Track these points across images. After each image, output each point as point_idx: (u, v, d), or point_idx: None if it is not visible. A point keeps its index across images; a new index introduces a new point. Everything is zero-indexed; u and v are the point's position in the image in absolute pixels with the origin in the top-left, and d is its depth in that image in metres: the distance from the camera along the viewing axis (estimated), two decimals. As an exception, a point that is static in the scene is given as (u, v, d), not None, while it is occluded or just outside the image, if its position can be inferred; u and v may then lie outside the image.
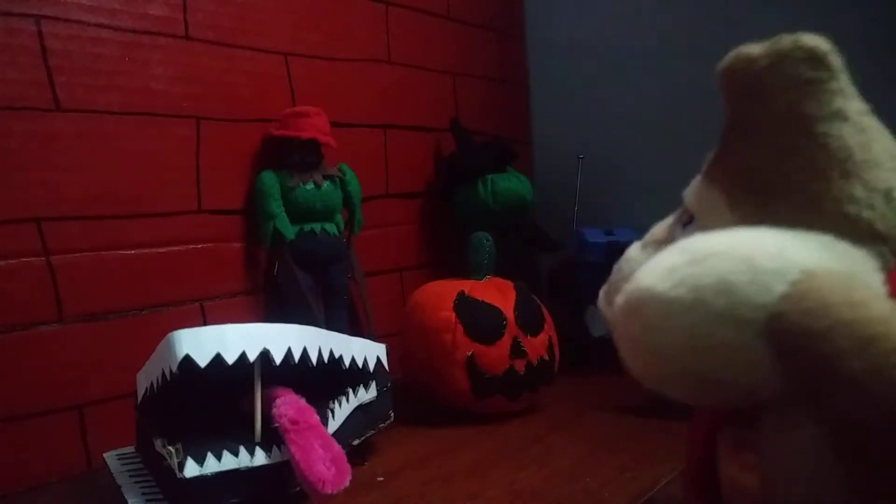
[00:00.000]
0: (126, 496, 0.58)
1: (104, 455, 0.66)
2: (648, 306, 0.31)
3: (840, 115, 0.36)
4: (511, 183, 1.06)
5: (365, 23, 1.03)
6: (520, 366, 0.80)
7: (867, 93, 0.38)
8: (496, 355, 0.80)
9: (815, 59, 0.35)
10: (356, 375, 0.68)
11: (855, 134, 0.36)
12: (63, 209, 0.71)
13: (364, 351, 0.69)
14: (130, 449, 0.67)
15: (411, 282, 1.06)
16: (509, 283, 0.86)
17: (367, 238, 0.99)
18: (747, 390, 0.32)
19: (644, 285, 0.31)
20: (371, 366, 0.70)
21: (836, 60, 0.36)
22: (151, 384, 0.57)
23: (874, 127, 0.37)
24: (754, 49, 0.38)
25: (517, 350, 0.80)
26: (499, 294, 0.83)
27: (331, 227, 0.89)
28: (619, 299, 0.34)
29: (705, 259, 0.30)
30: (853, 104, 0.36)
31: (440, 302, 0.82)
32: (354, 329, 0.96)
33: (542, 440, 0.74)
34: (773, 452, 0.38)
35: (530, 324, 0.82)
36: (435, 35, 1.16)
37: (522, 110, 1.39)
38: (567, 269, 1.09)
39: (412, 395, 0.85)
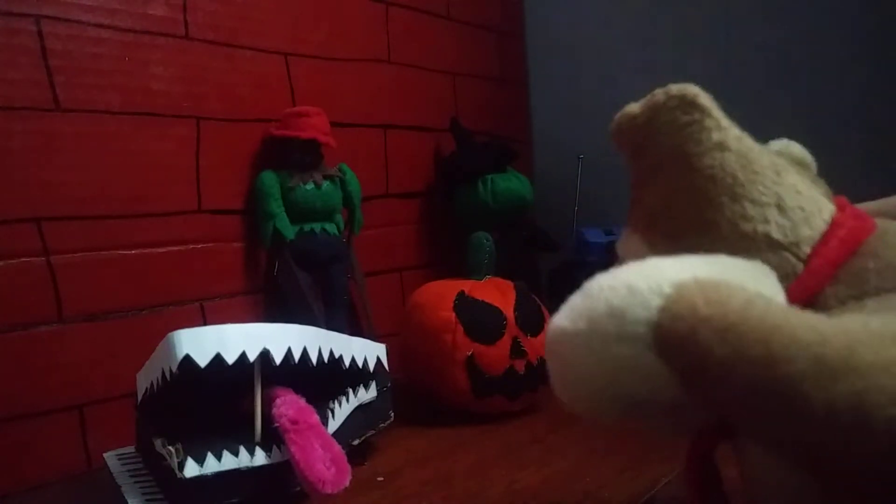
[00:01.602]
0: (126, 496, 0.58)
1: (104, 455, 0.66)
2: (559, 342, 0.35)
3: (720, 146, 0.39)
4: (511, 183, 1.06)
5: (365, 23, 1.03)
6: (520, 366, 0.80)
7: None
8: (496, 355, 0.80)
9: (686, 104, 0.40)
10: (356, 375, 0.68)
11: (737, 159, 0.39)
12: (63, 209, 0.71)
13: (364, 351, 0.69)
14: (130, 449, 0.67)
15: (411, 282, 1.06)
16: (509, 283, 0.86)
17: (367, 238, 0.99)
18: (663, 407, 0.34)
19: (553, 325, 0.35)
20: (371, 366, 0.70)
21: (705, 101, 0.40)
22: (151, 384, 0.57)
23: (754, 148, 0.41)
24: (634, 107, 0.43)
25: (517, 350, 0.80)
26: (499, 294, 0.83)
27: (331, 227, 0.89)
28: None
29: (596, 293, 0.33)
30: (730, 133, 0.40)
31: (440, 302, 0.82)
32: (354, 329, 0.95)
33: (542, 440, 0.74)
34: (748, 459, 0.41)
35: (530, 324, 0.82)
36: (435, 35, 1.16)
37: (522, 110, 1.39)
38: (567, 269, 1.09)
39: (412, 395, 0.85)
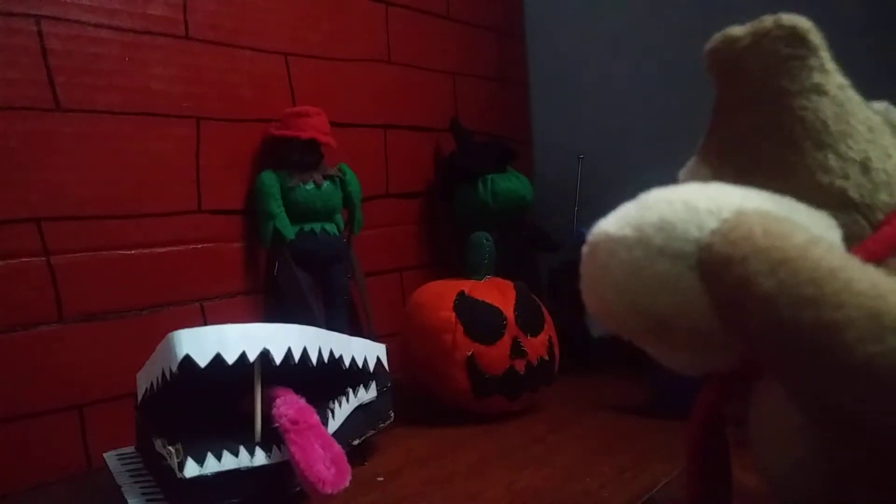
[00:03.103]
0: (126, 496, 0.58)
1: (104, 455, 0.66)
2: (599, 246, 0.35)
3: (817, 90, 0.37)
4: (511, 183, 1.06)
5: (365, 23, 1.03)
6: (520, 366, 0.80)
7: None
8: (496, 355, 0.80)
9: (794, 36, 0.37)
10: (356, 375, 0.68)
11: (832, 107, 0.37)
12: (63, 209, 0.71)
13: (364, 351, 0.69)
14: (130, 449, 0.67)
15: (411, 282, 1.06)
16: (509, 283, 0.86)
17: (367, 238, 0.99)
18: (690, 334, 0.34)
19: (598, 228, 0.35)
20: (371, 366, 0.70)
21: (816, 38, 0.38)
22: (151, 384, 0.57)
23: (855, 101, 0.38)
24: (738, 30, 0.40)
25: (517, 350, 0.80)
26: (499, 294, 0.83)
27: (331, 227, 0.89)
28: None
29: (652, 204, 0.33)
30: (833, 79, 0.38)
31: (440, 302, 0.82)
32: (354, 329, 0.95)
33: (542, 440, 0.74)
34: (758, 423, 0.40)
35: (530, 324, 0.82)
36: (435, 35, 1.16)
37: (522, 110, 1.38)
38: (567, 269, 1.09)
39: (412, 395, 0.85)
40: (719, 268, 0.30)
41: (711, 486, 0.41)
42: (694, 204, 0.32)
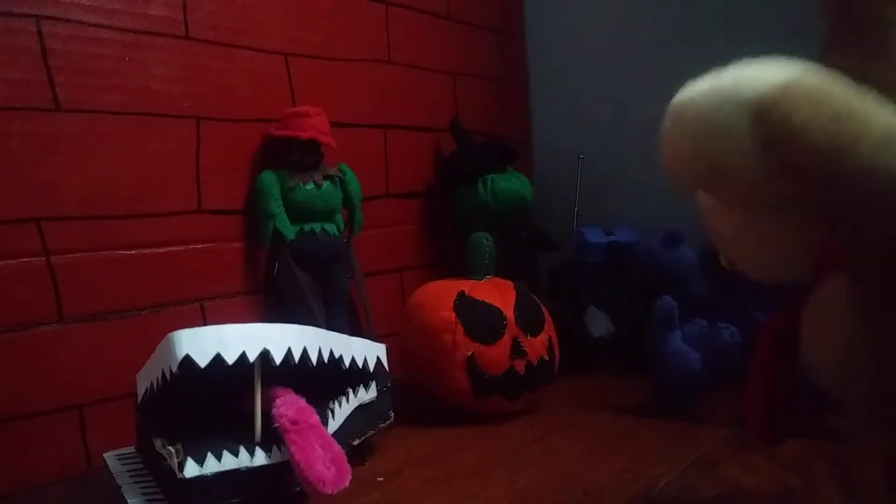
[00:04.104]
0: (126, 496, 0.58)
1: (104, 455, 0.66)
2: (680, 100, 0.42)
3: None
4: (511, 183, 1.06)
5: (365, 23, 1.03)
6: (520, 366, 0.80)
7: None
8: (496, 355, 0.80)
9: None
10: (356, 375, 0.68)
11: None
12: (63, 209, 0.71)
13: (364, 351, 0.69)
14: (130, 449, 0.67)
15: (411, 282, 1.06)
16: (509, 283, 0.86)
17: (367, 238, 0.99)
18: (739, 181, 0.41)
19: (683, 92, 0.42)
20: (371, 366, 0.70)
21: None
22: (151, 384, 0.57)
23: None
24: None
25: (517, 350, 0.80)
26: (499, 294, 0.83)
27: (331, 227, 0.89)
28: None
29: (726, 73, 0.40)
30: None
31: (440, 302, 0.82)
32: (354, 329, 0.95)
33: (542, 440, 0.74)
34: (811, 324, 0.44)
35: (530, 324, 0.82)
36: (435, 35, 1.16)
37: (522, 110, 1.38)
38: (567, 269, 1.09)
39: (412, 395, 0.85)
40: (770, 107, 0.37)
41: (776, 407, 0.46)
42: (762, 67, 0.39)
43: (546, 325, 0.85)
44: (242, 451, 0.55)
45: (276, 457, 0.56)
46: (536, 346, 0.82)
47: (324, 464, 0.54)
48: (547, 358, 0.83)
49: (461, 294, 0.82)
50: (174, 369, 0.52)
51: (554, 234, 1.13)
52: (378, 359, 0.71)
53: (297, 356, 0.57)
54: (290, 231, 0.85)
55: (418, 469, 0.67)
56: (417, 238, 1.12)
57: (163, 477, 0.58)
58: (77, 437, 0.71)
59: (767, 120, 0.37)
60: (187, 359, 0.51)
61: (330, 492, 0.53)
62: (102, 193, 0.74)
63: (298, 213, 0.86)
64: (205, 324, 0.81)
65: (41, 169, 0.70)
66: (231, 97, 0.85)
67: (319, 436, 0.56)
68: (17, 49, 0.68)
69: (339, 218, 0.91)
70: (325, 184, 0.88)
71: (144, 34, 0.77)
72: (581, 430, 0.77)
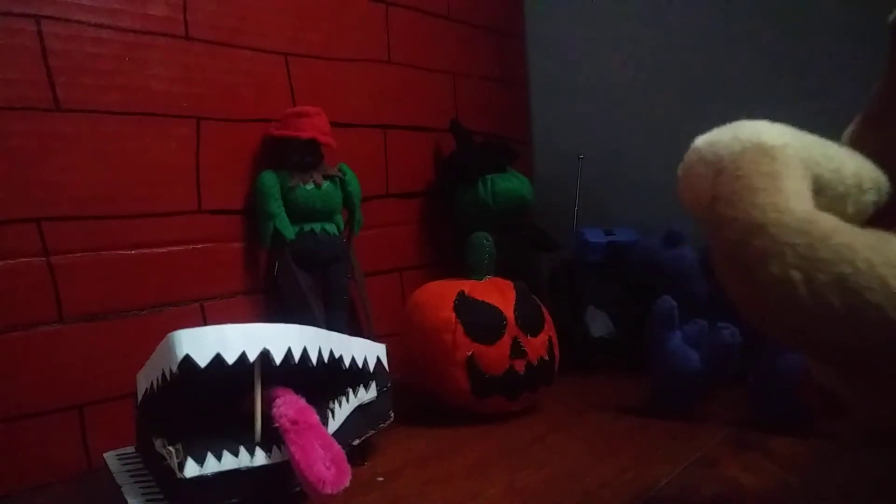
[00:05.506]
0: (126, 496, 0.58)
1: (104, 455, 0.66)
2: (700, 141, 0.46)
3: None
4: (511, 183, 1.06)
5: (365, 23, 1.03)
6: (520, 366, 0.80)
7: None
8: (496, 355, 0.80)
9: None
10: (356, 375, 0.68)
11: None
12: (63, 209, 0.71)
13: (364, 351, 0.69)
14: (130, 449, 0.67)
15: (411, 282, 1.06)
16: (509, 283, 0.86)
17: (367, 238, 0.99)
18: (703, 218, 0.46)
19: (709, 134, 0.47)
20: (371, 366, 0.70)
21: None
22: (151, 384, 0.57)
23: None
24: None
25: (517, 350, 0.80)
26: (499, 294, 0.83)
27: (331, 227, 0.89)
28: None
29: (736, 125, 0.45)
30: None
31: (440, 302, 0.82)
32: (354, 329, 0.95)
33: (542, 440, 0.74)
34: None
35: (530, 324, 0.82)
36: (435, 35, 1.16)
37: (522, 110, 1.38)
38: (567, 269, 1.09)
39: (412, 395, 0.85)
40: (717, 176, 0.43)
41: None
42: (737, 132, 0.43)
43: (546, 325, 0.85)
44: (242, 450, 0.55)
45: (276, 457, 0.56)
46: (536, 346, 0.82)
47: (324, 464, 0.54)
48: (547, 358, 0.83)
49: (461, 294, 0.82)
50: (174, 369, 0.52)
51: (554, 234, 1.12)
52: (378, 359, 0.71)
53: (297, 356, 0.57)
54: (290, 231, 0.85)
55: (418, 469, 0.67)
56: (417, 238, 1.12)
57: (163, 477, 0.58)
58: (77, 437, 0.71)
59: (715, 182, 0.43)
60: (187, 359, 0.51)
61: (330, 492, 0.53)
62: (102, 193, 0.74)
63: (298, 213, 0.86)
64: (205, 324, 0.81)
65: (41, 169, 0.70)
66: (231, 97, 0.85)
67: (319, 436, 0.56)
68: (17, 49, 0.68)
69: (340, 218, 0.91)
70: (326, 184, 0.88)
71: (144, 34, 0.77)
72: (581, 429, 0.77)
